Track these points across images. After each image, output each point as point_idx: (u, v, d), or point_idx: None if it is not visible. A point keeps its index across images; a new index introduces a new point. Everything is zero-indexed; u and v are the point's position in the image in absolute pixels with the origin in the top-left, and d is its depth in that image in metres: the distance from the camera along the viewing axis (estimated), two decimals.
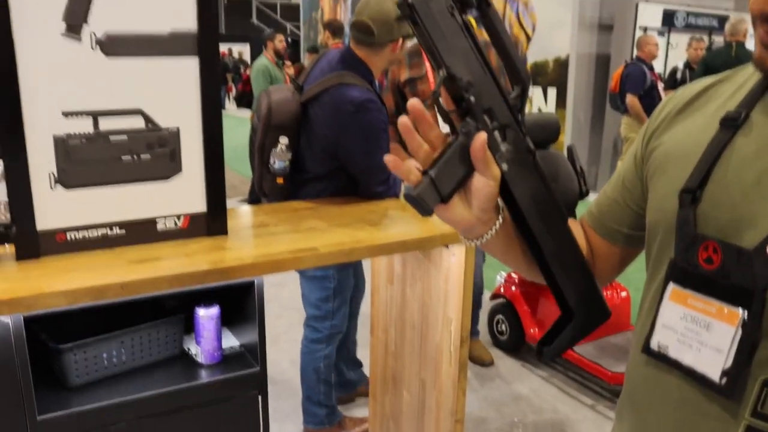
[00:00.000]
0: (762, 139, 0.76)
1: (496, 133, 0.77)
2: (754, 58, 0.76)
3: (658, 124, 0.91)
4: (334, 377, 2.65)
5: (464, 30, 0.75)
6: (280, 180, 2.15)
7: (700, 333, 0.76)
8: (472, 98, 0.75)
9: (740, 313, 0.72)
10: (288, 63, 6.90)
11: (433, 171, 0.72)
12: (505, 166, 0.77)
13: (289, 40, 9.31)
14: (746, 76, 0.86)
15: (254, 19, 20.37)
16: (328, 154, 2.15)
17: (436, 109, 0.77)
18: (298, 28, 14.87)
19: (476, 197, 0.75)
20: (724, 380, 0.73)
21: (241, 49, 18.36)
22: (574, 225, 1.02)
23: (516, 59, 0.79)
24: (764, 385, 0.72)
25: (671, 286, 0.80)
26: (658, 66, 7.75)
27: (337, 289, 2.40)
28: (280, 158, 2.11)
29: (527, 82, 0.80)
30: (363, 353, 2.79)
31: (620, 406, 0.94)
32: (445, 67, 0.75)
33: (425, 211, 0.73)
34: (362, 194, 2.15)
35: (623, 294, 3.17)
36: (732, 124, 0.80)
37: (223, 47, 18.16)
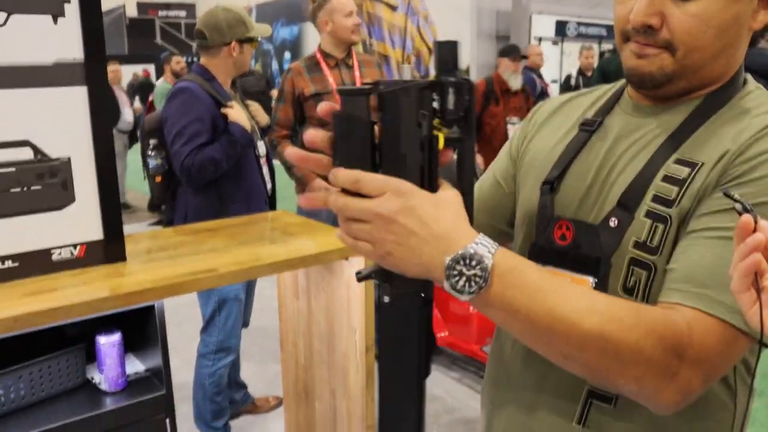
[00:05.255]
0: (612, 139, 0.89)
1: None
2: (629, 68, 0.84)
3: (529, 129, 1.03)
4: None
5: (422, 147, 0.67)
6: (158, 179, 2.40)
7: None
8: None
9: (590, 280, 0.82)
10: None
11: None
12: (386, 299, 0.74)
13: (195, 59, 9.21)
14: (604, 90, 0.99)
15: (158, 39, 19.92)
16: None
17: None
18: None
19: None
20: None
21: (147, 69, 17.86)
22: None
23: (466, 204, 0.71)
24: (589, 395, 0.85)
25: None
26: (553, 73, 8.14)
27: (221, 302, 2.44)
28: (152, 158, 2.38)
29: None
30: (275, 368, 2.81)
31: (486, 390, 1.03)
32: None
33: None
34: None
35: None
36: (589, 129, 0.92)
37: (127, 69, 17.62)
